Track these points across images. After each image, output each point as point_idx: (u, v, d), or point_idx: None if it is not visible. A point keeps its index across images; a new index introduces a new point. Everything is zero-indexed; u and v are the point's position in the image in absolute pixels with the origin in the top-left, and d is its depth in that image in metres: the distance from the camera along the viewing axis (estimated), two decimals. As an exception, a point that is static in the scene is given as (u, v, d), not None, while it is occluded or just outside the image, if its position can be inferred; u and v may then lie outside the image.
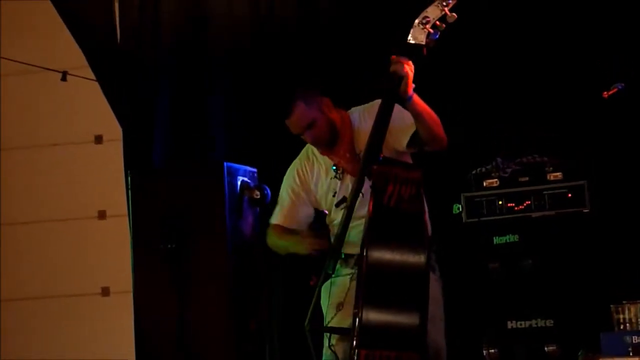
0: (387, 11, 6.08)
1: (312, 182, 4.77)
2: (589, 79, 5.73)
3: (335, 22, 6.36)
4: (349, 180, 4.63)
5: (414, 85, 4.29)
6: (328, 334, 4.45)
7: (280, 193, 4.89)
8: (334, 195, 4.69)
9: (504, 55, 6.09)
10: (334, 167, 4.70)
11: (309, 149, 4.82)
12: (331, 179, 4.70)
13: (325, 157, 4.73)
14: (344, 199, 4.62)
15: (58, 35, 6.89)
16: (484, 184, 5.69)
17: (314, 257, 4.66)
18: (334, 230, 4.65)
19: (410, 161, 4.64)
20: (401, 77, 4.24)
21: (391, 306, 4.06)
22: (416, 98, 4.34)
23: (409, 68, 4.25)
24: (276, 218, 4.87)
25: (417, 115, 4.38)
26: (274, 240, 4.88)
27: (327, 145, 4.69)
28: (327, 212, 4.77)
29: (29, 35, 7.11)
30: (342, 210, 4.53)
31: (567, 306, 5.44)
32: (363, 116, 4.68)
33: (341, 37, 6.27)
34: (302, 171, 4.80)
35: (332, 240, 4.59)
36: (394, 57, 4.26)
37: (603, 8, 5.92)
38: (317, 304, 4.53)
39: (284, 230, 4.84)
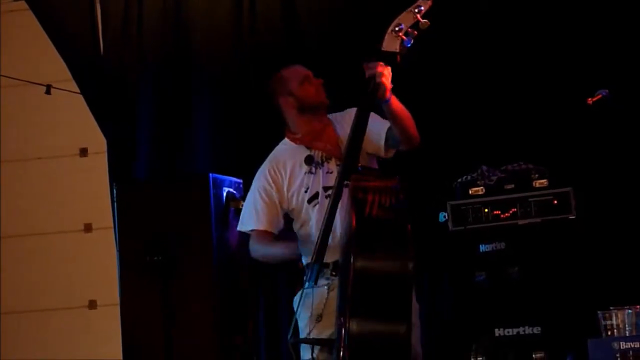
0: (366, 20, 6.10)
1: (285, 180, 4.69)
2: (573, 85, 5.75)
3: (316, 33, 6.39)
4: (321, 176, 4.61)
5: (392, 86, 4.29)
6: (308, 346, 4.42)
7: (249, 197, 4.79)
8: (306, 191, 4.64)
9: (489, 62, 6.10)
10: (307, 160, 4.64)
11: (278, 151, 4.79)
12: (305, 174, 4.65)
13: (297, 153, 4.68)
14: (316, 195, 4.61)
15: (42, 48, 6.89)
16: (470, 192, 5.69)
17: (302, 266, 4.64)
18: (304, 234, 4.61)
19: (377, 166, 4.65)
20: (377, 83, 4.23)
21: (379, 317, 4.03)
22: (393, 99, 4.34)
23: (386, 71, 4.24)
24: (256, 223, 4.71)
25: (393, 115, 4.40)
26: (261, 249, 4.74)
27: (321, 108, 4.67)
28: (294, 215, 4.69)
29: (12, 48, 7.08)
30: (313, 208, 4.56)
31: (554, 313, 5.44)
32: (339, 123, 4.68)
33: (323, 48, 6.29)
34: (274, 170, 4.72)
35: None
36: (365, 64, 4.25)
37: (585, 16, 5.94)
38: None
39: (270, 236, 4.70)
